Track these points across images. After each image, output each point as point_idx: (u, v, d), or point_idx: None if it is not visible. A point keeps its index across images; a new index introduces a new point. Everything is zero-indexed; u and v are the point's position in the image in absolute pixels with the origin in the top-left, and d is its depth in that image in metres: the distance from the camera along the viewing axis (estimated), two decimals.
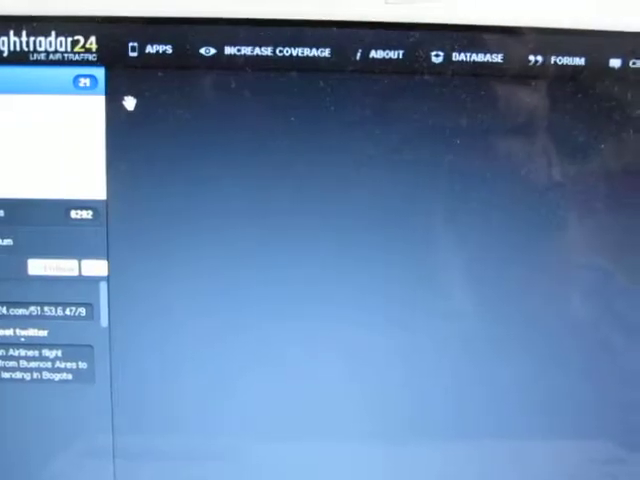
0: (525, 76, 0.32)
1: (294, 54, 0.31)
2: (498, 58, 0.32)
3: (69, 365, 0.33)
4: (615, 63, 0.32)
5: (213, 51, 0.31)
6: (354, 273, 0.32)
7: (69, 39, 0.31)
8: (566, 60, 0.32)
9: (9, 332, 0.33)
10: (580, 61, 0.32)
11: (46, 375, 0.33)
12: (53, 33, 0.31)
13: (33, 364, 0.33)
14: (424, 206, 0.32)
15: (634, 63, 0.32)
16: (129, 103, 0.31)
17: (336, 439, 0.34)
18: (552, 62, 0.32)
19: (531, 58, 0.32)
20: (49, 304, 0.33)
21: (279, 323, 0.33)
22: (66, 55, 0.31)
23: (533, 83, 0.32)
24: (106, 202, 0.32)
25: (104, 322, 0.33)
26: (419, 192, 0.32)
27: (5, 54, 0.31)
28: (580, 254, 0.33)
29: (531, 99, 0.32)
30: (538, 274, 0.33)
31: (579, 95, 0.32)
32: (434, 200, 0.32)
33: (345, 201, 0.32)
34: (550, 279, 0.33)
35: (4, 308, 0.33)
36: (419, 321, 0.33)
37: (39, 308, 0.33)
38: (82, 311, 0.33)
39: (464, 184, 0.32)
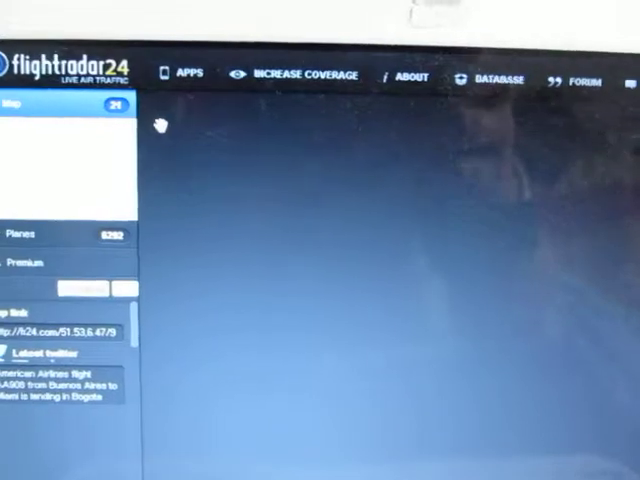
0: (545, 97, 0.33)
1: (322, 77, 0.32)
2: (519, 80, 0.33)
3: (99, 386, 0.33)
4: (631, 84, 0.33)
5: (243, 74, 0.32)
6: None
7: (101, 62, 0.32)
8: (584, 81, 0.33)
9: (39, 353, 0.33)
10: (597, 82, 0.33)
11: (75, 396, 0.33)
12: (85, 57, 0.32)
13: (62, 385, 0.33)
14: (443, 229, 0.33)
15: None
16: (160, 125, 0.32)
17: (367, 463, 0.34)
18: (570, 83, 0.33)
19: (550, 80, 0.33)
20: (79, 325, 0.33)
21: (311, 346, 0.33)
22: (98, 78, 0.32)
23: (553, 104, 0.33)
24: (137, 223, 0.32)
25: (134, 342, 0.33)
26: (443, 213, 0.33)
27: (37, 77, 0.32)
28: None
29: (551, 120, 0.33)
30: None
31: (596, 115, 0.33)
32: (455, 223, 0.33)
33: (373, 223, 0.33)
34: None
35: (34, 329, 0.33)
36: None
37: (69, 329, 0.33)
38: (112, 332, 0.33)
39: (482, 205, 0.33)
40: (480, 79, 0.32)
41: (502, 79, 0.32)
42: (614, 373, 0.35)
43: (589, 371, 0.34)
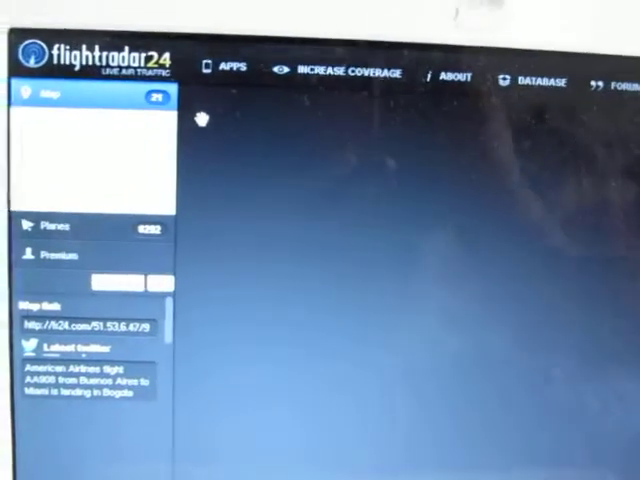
0: (586, 101, 0.33)
1: (366, 74, 0.32)
2: (562, 83, 0.32)
3: (130, 382, 0.33)
4: None
5: (287, 69, 0.31)
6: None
7: (142, 55, 0.31)
8: (625, 86, 0.33)
9: (70, 348, 0.33)
10: (638, 87, 0.33)
11: (106, 392, 0.33)
12: (127, 48, 0.31)
13: (94, 381, 0.33)
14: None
15: None
16: (201, 119, 0.32)
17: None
18: (612, 87, 0.33)
19: (593, 83, 0.33)
20: (112, 320, 0.33)
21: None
22: (139, 70, 0.31)
23: (595, 108, 0.33)
24: (175, 217, 0.32)
25: (168, 338, 0.33)
26: (478, 216, 0.33)
27: (77, 68, 0.31)
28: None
29: (592, 124, 0.33)
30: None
31: (637, 120, 0.33)
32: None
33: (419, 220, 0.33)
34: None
35: (66, 323, 0.32)
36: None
37: (102, 324, 0.32)
38: (146, 327, 0.33)
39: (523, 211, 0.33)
40: (523, 81, 0.32)
41: (544, 81, 0.32)
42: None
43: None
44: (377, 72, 0.32)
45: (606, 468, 0.35)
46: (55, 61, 0.31)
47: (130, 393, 0.33)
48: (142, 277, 0.32)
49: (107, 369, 0.33)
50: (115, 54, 0.31)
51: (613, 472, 0.35)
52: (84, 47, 0.31)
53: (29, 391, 0.33)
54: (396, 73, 0.32)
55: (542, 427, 0.34)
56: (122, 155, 0.32)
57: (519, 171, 0.32)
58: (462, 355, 0.34)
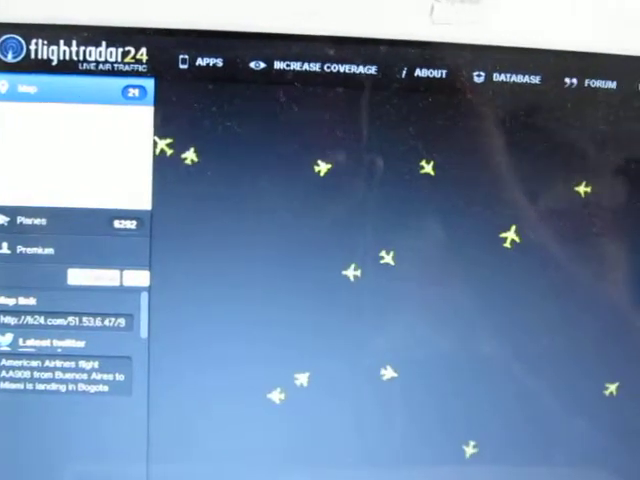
0: (561, 98, 0.33)
1: (341, 70, 0.32)
2: (536, 79, 0.33)
3: (106, 377, 0.33)
4: None
5: (263, 65, 0.32)
6: None
7: (120, 50, 0.31)
8: (599, 83, 0.33)
9: (46, 343, 0.33)
10: (612, 84, 0.33)
11: (82, 387, 0.33)
12: (104, 43, 0.31)
13: (69, 375, 0.33)
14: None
15: None
16: (178, 114, 0.32)
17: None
18: (586, 84, 0.33)
19: (567, 80, 0.33)
20: (88, 314, 0.33)
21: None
22: (116, 65, 0.31)
23: (569, 105, 0.33)
24: (151, 212, 0.32)
25: (144, 333, 0.33)
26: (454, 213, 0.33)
27: (54, 63, 0.31)
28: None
29: (566, 121, 0.33)
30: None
31: (610, 117, 0.33)
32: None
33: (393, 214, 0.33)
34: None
35: (42, 318, 0.32)
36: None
37: (77, 318, 0.32)
38: (121, 322, 0.33)
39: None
40: (497, 77, 0.33)
41: (519, 78, 0.33)
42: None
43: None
44: (353, 68, 0.32)
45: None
46: (33, 56, 0.31)
47: (105, 388, 0.33)
48: (118, 272, 0.32)
49: (83, 364, 0.33)
50: (92, 49, 0.31)
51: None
52: (62, 42, 0.31)
53: (4, 385, 0.32)
54: (372, 69, 0.32)
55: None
56: (99, 150, 0.32)
57: (494, 166, 0.33)
58: (451, 356, 0.34)
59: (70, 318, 0.32)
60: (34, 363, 0.33)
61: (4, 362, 0.32)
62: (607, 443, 0.35)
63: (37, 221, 0.32)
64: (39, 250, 0.32)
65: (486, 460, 0.34)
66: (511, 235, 0.33)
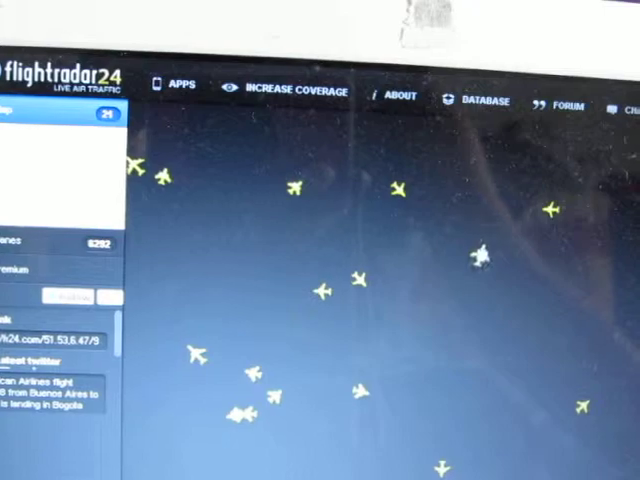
0: (529, 121, 0.33)
1: (313, 92, 0.32)
2: (505, 102, 0.33)
3: (80, 395, 0.33)
4: (612, 109, 0.34)
5: (235, 87, 0.32)
6: None
7: (94, 72, 0.32)
8: (567, 105, 0.34)
9: (21, 361, 0.33)
10: (580, 106, 0.34)
11: (56, 405, 0.33)
12: (78, 65, 0.32)
13: (43, 393, 0.33)
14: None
15: (629, 110, 0.34)
16: (151, 136, 0.32)
17: None
18: (554, 107, 0.34)
19: (535, 103, 0.33)
20: (63, 333, 0.33)
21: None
22: (90, 87, 0.32)
23: (537, 127, 0.34)
24: (124, 232, 0.32)
25: (117, 352, 0.33)
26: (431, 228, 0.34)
27: (29, 84, 0.32)
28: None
29: (535, 143, 0.34)
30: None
31: (579, 139, 0.34)
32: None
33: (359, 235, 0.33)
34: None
35: (17, 336, 0.33)
36: None
37: (52, 337, 0.33)
38: (96, 340, 0.33)
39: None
40: (467, 100, 0.33)
41: (488, 100, 0.33)
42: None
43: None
44: (324, 90, 0.32)
45: None
46: (8, 77, 0.32)
47: (80, 406, 0.33)
48: (92, 291, 0.33)
49: (57, 382, 0.33)
50: (67, 71, 0.32)
51: None
52: (37, 64, 0.32)
53: None
54: (342, 92, 0.33)
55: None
56: (73, 170, 0.32)
57: (464, 187, 0.33)
58: (422, 375, 0.34)
59: (45, 336, 0.33)
60: (9, 381, 0.33)
61: None
62: (579, 460, 0.36)
63: (12, 240, 0.32)
64: (14, 269, 0.32)
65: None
66: (481, 254, 0.34)
